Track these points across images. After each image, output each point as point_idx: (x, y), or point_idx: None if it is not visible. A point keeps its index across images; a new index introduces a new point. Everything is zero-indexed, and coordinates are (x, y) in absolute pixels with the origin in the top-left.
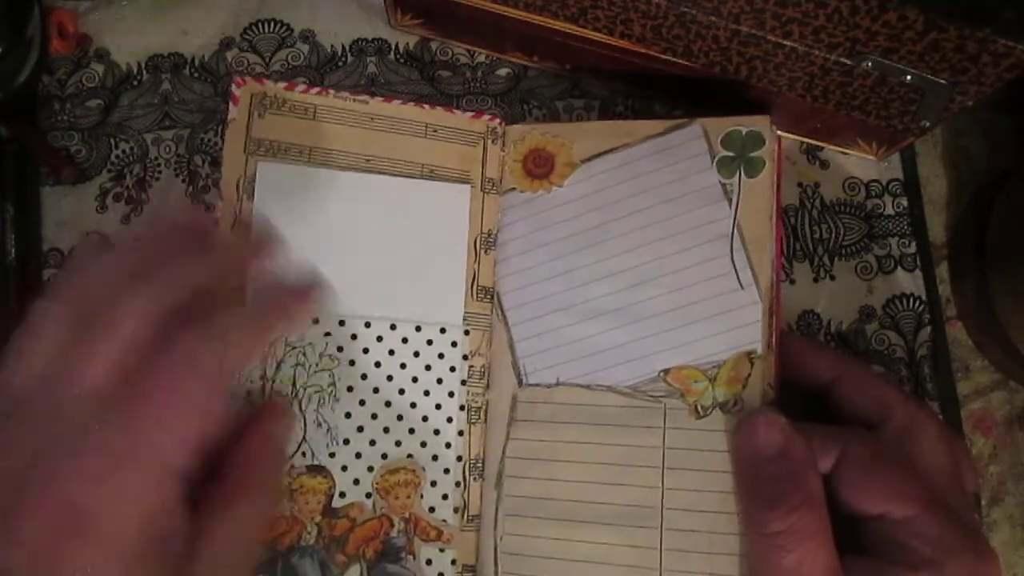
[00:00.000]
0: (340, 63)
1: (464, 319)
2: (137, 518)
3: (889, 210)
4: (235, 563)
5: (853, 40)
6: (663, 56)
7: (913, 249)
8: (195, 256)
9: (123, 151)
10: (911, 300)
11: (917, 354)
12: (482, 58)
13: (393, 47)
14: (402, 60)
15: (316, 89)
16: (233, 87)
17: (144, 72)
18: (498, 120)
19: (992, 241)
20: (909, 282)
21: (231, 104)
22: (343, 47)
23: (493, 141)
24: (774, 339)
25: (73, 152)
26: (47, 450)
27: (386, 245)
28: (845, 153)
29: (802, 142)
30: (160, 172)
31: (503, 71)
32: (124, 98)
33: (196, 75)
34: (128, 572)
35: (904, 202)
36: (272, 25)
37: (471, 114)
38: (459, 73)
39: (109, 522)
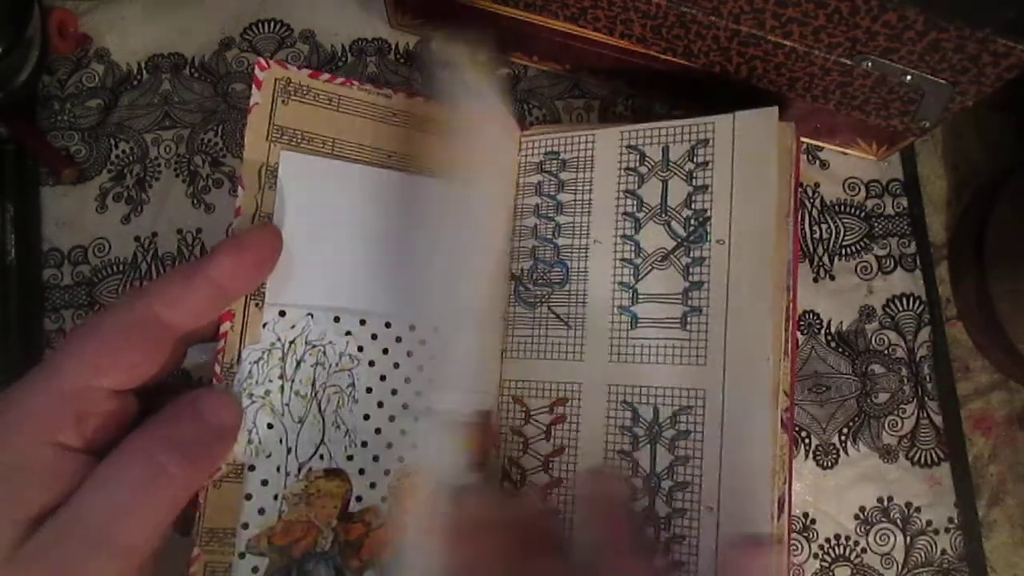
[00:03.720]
0: (340, 63)
1: None
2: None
3: (889, 210)
4: (95, 532)
5: (853, 40)
6: (663, 56)
7: (913, 249)
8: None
9: (123, 151)
10: (911, 300)
11: (917, 354)
12: (482, 58)
13: (393, 47)
14: (402, 60)
15: (340, 79)
16: (256, 70)
17: (144, 72)
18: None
19: (992, 241)
20: (909, 282)
21: (254, 88)
22: (343, 47)
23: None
24: (790, 345)
25: (73, 152)
26: None
27: (405, 243)
28: (845, 153)
29: (802, 142)
30: (160, 172)
31: (503, 71)
32: (124, 98)
33: (196, 75)
34: None
35: (904, 202)
36: (272, 25)
37: None
38: None
39: None
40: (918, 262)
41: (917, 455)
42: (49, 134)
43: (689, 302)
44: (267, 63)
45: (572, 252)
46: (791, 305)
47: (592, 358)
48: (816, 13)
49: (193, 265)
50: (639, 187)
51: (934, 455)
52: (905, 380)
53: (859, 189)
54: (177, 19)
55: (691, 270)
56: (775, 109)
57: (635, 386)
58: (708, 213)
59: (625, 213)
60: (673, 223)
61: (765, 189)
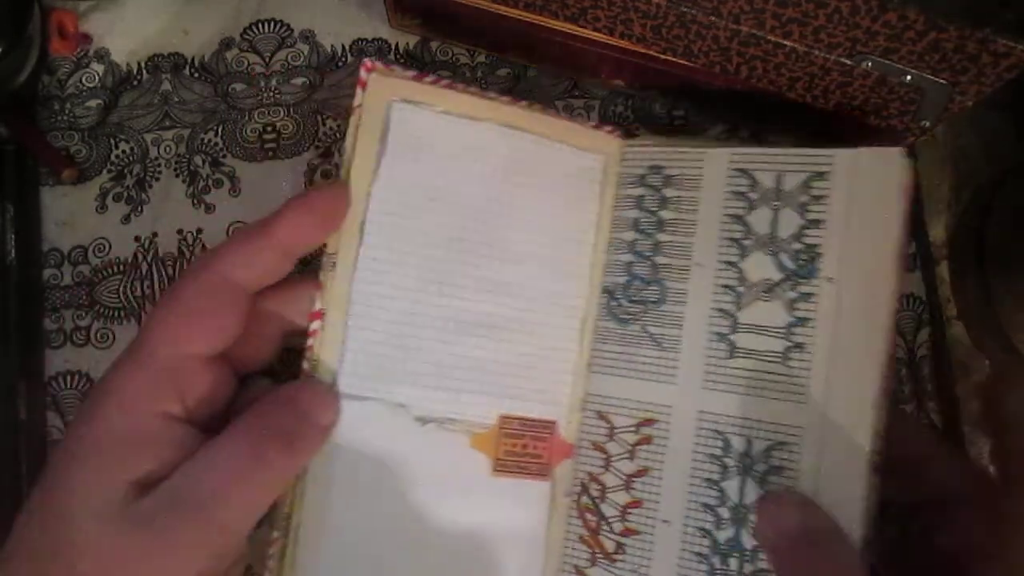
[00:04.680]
0: (340, 63)
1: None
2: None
3: None
4: (196, 506)
5: (853, 40)
6: (663, 56)
7: (913, 249)
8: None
9: (123, 151)
10: (911, 300)
11: (917, 354)
12: (482, 58)
13: (393, 47)
14: (402, 60)
15: (444, 81)
16: (361, 72)
17: (144, 72)
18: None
19: (992, 241)
20: (909, 282)
21: (358, 88)
22: (343, 47)
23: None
24: (886, 385)
25: (73, 152)
26: None
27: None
28: None
29: None
30: (160, 172)
31: (503, 71)
32: (124, 98)
33: (196, 75)
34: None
35: None
36: (272, 25)
37: (592, 124)
38: (459, 73)
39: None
40: (918, 262)
41: None
42: (49, 134)
43: (792, 337)
44: (372, 64)
45: (671, 272)
46: (893, 346)
47: (684, 382)
48: (816, 13)
49: (259, 226)
50: (748, 214)
51: None
52: (905, 380)
53: None
54: (177, 19)
55: (796, 305)
56: (898, 150)
57: (728, 416)
58: (820, 249)
59: (730, 239)
60: (782, 255)
61: (884, 231)
